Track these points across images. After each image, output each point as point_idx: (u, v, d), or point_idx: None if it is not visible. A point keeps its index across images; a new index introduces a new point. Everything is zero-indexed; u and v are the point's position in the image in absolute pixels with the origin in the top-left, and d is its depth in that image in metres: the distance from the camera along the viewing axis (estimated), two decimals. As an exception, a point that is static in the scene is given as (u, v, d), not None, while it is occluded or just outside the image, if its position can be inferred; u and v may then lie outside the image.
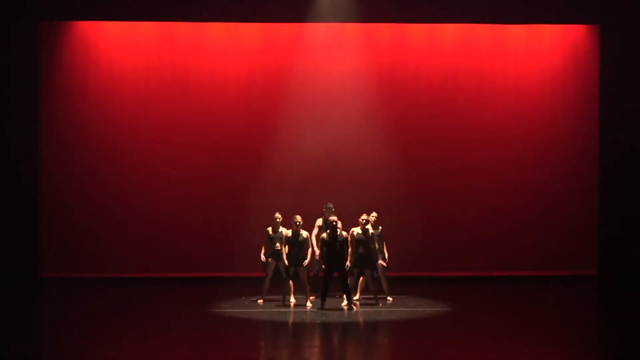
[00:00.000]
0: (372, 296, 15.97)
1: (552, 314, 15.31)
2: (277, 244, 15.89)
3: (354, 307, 15.58)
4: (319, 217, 16.60)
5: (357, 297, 16.22)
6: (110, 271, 18.94)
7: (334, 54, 19.23)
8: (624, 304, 16.58)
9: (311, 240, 16.12)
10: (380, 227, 16.26)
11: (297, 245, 15.84)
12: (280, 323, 14.41)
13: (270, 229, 16.00)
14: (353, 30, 19.28)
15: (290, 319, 14.74)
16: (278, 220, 16.01)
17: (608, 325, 14.64)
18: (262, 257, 16.00)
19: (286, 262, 15.86)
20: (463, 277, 19.18)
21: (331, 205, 16.56)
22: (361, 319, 14.71)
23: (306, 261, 15.91)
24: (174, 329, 13.96)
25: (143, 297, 17.19)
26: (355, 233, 15.78)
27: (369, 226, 15.92)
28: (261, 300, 16.04)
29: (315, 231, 16.42)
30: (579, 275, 19.21)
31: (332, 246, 15.56)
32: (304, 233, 15.91)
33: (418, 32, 19.40)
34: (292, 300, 16.00)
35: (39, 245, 18.80)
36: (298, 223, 15.85)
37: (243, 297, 16.49)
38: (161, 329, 13.93)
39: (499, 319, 15.02)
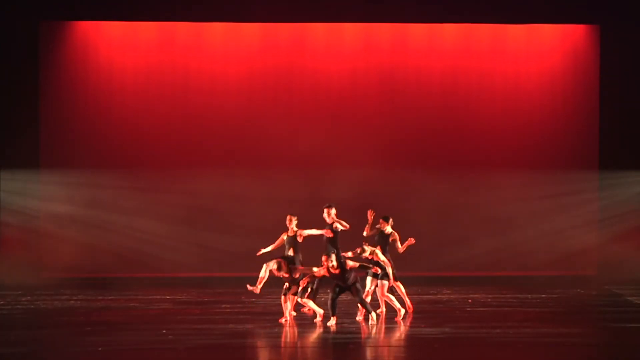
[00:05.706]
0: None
1: (552, 314, 15.31)
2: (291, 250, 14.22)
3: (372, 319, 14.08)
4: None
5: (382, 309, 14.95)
6: (110, 271, 18.94)
7: (334, 54, 19.24)
8: (624, 303, 16.58)
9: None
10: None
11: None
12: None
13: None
14: (353, 30, 19.29)
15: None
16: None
17: (608, 325, 14.64)
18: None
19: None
20: (463, 277, 19.18)
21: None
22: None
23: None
24: (174, 329, 13.95)
25: (143, 298, 17.18)
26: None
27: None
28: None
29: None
30: (579, 275, 19.22)
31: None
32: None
33: (418, 32, 19.40)
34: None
35: (39, 245, 18.80)
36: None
37: (244, 297, 16.50)
38: (161, 329, 13.92)
39: (498, 319, 15.00)
